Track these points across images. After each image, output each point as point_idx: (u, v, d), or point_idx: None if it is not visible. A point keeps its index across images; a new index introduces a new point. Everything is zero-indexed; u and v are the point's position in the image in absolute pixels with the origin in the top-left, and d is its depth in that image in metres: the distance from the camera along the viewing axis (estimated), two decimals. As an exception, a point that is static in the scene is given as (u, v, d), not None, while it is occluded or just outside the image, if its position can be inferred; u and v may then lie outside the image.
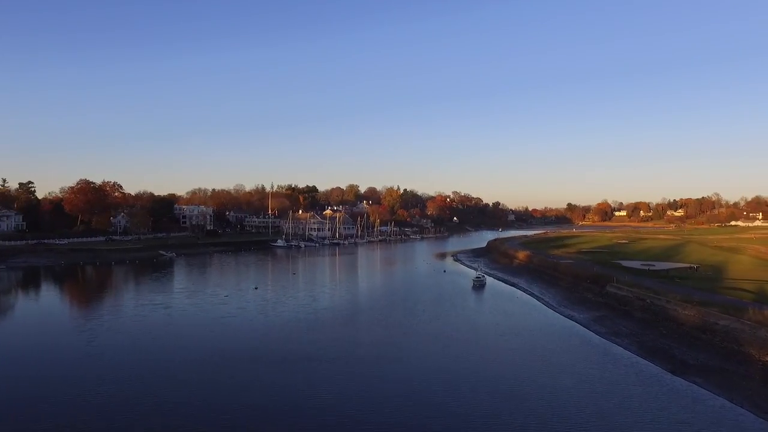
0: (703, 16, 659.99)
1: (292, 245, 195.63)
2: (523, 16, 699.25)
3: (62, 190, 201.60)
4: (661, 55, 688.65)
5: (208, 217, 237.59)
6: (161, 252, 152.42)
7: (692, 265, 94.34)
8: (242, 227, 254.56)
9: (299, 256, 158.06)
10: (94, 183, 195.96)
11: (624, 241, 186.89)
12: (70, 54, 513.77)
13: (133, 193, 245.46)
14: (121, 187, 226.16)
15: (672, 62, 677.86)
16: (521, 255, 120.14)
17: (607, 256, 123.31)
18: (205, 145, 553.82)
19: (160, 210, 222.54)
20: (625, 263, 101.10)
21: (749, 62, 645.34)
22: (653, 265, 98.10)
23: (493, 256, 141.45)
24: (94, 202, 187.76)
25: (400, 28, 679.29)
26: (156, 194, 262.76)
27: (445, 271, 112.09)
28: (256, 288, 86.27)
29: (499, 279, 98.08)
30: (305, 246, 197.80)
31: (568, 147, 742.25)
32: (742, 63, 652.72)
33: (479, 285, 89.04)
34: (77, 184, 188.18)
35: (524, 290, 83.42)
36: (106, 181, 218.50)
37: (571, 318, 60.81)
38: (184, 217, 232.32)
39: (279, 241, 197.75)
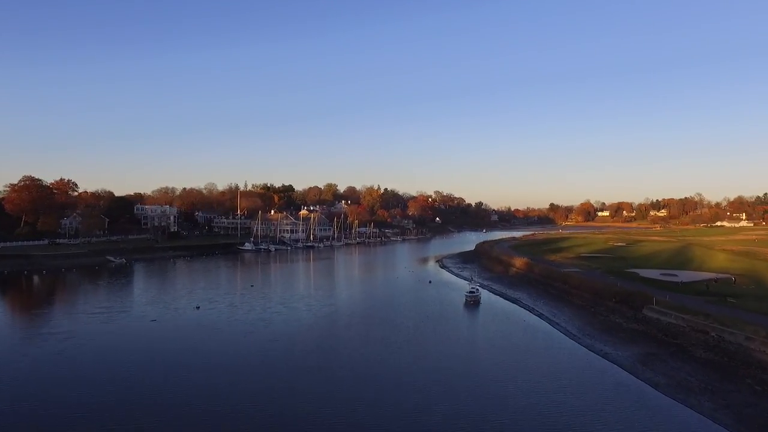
0: (682, 18, 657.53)
1: (261, 249, 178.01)
2: (506, 17, 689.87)
3: (5, 186, 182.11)
4: (644, 57, 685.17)
5: (172, 217, 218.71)
6: (109, 258, 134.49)
7: (727, 276, 79.60)
8: (210, 228, 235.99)
9: (266, 262, 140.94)
10: (41, 180, 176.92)
11: (621, 244, 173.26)
12: (38, 52, 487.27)
13: (90, 192, 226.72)
14: (76, 185, 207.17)
15: (655, 64, 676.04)
16: (518, 262, 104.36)
17: (612, 262, 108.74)
18: (179, 144, 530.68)
19: (118, 210, 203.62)
20: (642, 273, 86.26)
21: (731, 64, 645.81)
22: (675, 276, 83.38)
23: (484, 263, 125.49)
24: (39, 201, 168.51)
25: (382, 29, 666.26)
26: (119, 194, 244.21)
27: (430, 282, 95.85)
28: (197, 308, 69.21)
29: (495, 293, 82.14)
30: (275, 249, 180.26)
31: (550, 147, 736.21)
32: (724, 65, 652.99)
33: (473, 301, 73.14)
34: (20, 181, 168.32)
35: (530, 309, 67.50)
36: (61, 178, 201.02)
37: (605, 356, 44.97)
38: (145, 218, 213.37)
39: (247, 244, 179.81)
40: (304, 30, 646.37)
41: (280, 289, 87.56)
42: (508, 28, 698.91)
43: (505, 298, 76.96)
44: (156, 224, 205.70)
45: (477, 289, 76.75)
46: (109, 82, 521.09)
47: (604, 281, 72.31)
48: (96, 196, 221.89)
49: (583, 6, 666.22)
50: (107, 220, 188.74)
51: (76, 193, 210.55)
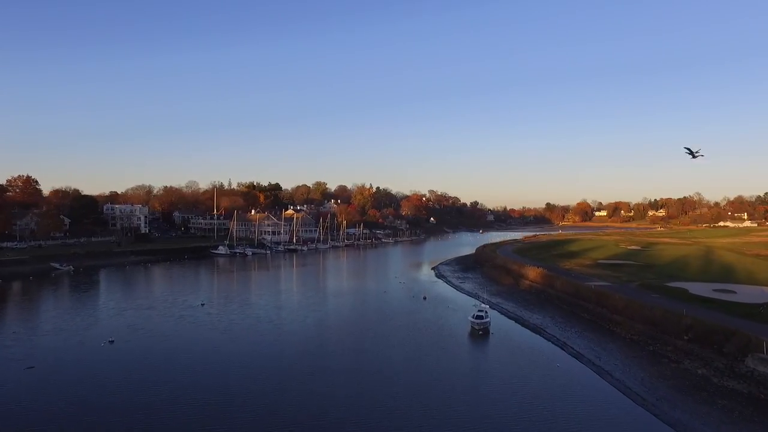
0: (682, 18, 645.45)
1: (236, 253, 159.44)
2: (502, 17, 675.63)
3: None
4: (642, 57, 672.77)
5: (142, 217, 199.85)
6: (54, 264, 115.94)
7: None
8: (187, 229, 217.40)
9: (238, 269, 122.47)
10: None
11: (635, 248, 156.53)
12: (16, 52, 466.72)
13: (55, 189, 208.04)
14: (37, 182, 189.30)
15: (654, 64, 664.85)
16: (531, 273, 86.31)
17: (641, 272, 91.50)
18: (168, 143, 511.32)
19: (82, 210, 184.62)
20: (690, 288, 68.92)
21: (730, 65, 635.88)
22: (734, 292, 66.12)
23: (488, 271, 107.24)
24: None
25: (376, 28, 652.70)
26: (99, 195, 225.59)
27: (425, 298, 77.84)
28: (111, 341, 51.24)
29: (509, 316, 64.27)
30: (252, 254, 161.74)
31: (546, 146, 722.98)
32: (723, 66, 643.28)
33: (481, 328, 55.47)
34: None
35: (561, 345, 49.34)
36: (19, 175, 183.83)
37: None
38: (113, 218, 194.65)
39: (220, 247, 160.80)
40: (297, 30, 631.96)
41: (235, 309, 69.36)
42: (504, 28, 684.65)
43: (523, 325, 59.11)
44: (125, 225, 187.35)
45: (485, 313, 58.90)
46: (104, 81, 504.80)
47: (659, 304, 54.18)
48: (59, 195, 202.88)
49: (582, 6, 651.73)
50: (68, 220, 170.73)
51: (45, 192, 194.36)
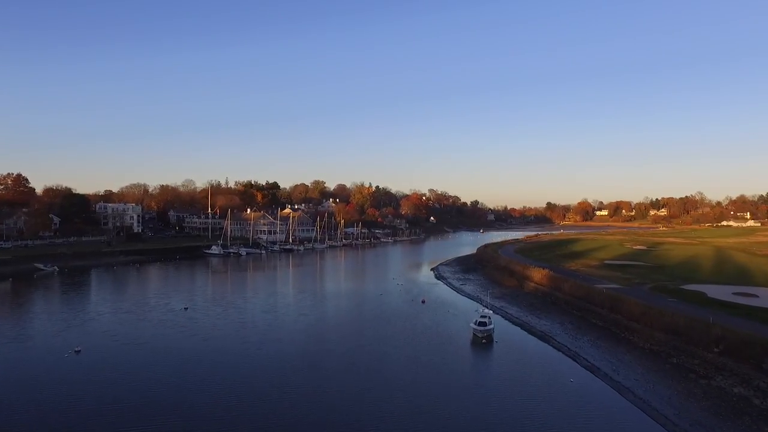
0: (683, 18, 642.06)
1: (230, 253, 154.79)
2: (504, 17, 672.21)
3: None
4: (643, 57, 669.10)
5: (135, 216, 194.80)
6: (37, 265, 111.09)
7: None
8: (181, 229, 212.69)
9: (231, 270, 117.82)
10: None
11: (642, 247, 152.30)
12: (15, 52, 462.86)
13: (47, 188, 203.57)
14: (27, 181, 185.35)
15: (654, 64, 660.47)
16: (536, 274, 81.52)
17: (651, 273, 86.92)
18: (166, 143, 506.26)
19: (72, 209, 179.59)
20: (708, 291, 64.30)
21: (730, 65, 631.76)
22: (756, 296, 61.59)
23: (490, 273, 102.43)
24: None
25: (378, 28, 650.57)
26: (87, 193, 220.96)
27: (423, 302, 73.16)
28: (77, 351, 46.62)
29: (513, 321, 59.53)
30: (247, 253, 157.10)
31: (546, 146, 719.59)
32: (723, 66, 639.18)
33: (484, 336, 50.89)
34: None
35: (573, 357, 44.40)
36: (9, 173, 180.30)
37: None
38: (105, 217, 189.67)
39: (214, 247, 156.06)
40: (297, 30, 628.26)
41: (220, 313, 64.57)
42: (504, 28, 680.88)
43: (530, 332, 54.33)
44: (116, 224, 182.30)
45: (489, 319, 54.23)
46: (103, 81, 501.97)
47: (680, 310, 49.38)
48: (51, 194, 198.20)
49: (581, 6, 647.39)
50: (58, 220, 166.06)
51: (38, 191, 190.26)
